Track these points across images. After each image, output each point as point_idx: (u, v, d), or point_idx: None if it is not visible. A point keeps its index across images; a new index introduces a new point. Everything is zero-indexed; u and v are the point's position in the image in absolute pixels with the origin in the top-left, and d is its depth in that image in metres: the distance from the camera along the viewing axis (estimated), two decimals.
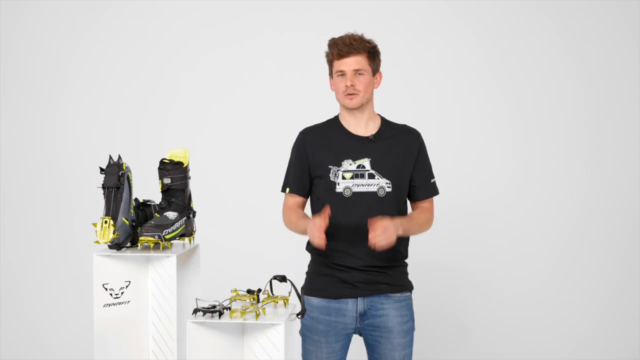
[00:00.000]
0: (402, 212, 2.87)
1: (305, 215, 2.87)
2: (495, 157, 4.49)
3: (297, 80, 4.49)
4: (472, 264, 4.47)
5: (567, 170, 4.48)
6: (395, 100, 4.41)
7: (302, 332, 2.91)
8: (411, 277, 2.95)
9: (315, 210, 2.89)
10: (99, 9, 4.58)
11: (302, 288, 2.71)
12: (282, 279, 2.73)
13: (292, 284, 2.72)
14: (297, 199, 2.92)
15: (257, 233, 4.47)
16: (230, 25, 4.55)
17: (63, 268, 4.57)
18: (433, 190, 2.92)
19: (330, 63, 2.84)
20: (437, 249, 4.38)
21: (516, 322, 4.45)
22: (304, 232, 2.80)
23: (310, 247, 2.92)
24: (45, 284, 4.58)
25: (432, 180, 2.92)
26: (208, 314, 2.53)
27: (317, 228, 2.66)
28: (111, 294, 2.72)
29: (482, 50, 4.50)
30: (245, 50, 4.55)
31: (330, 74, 2.86)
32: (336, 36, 2.83)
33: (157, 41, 4.58)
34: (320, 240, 2.66)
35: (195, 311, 2.55)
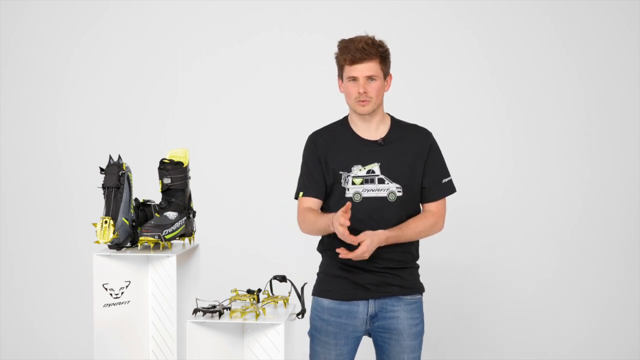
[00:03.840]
0: (412, 216, 2.83)
1: (324, 213, 2.79)
2: (498, 158, 4.49)
3: (297, 80, 4.49)
4: (478, 265, 4.46)
5: (568, 171, 4.48)
6: (396, 101, 4.41)
7: (311, 333, 2.90)
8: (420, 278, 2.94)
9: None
10: (98, 9, 4.58)
11: (304, 287, 2.71)
12: (282, 279, 2.73)
13: (292, 284, 2.72)
14: (312, 201, 2.83)
15: (257, 233, 4.47)
16: (230, 25, 4.55)
17: (63, 268, 4.56)
18: (444, 191, 2.85)
19: (341, 67, 2.77)
20: (441, 250, 4.38)
21: (523, 324, 4.44)
22: (325, 230, 2.74)
23: (321, 247, 2.89)
24: (46, 284, 4.58)
25: (445, 180, 2.85)
26: (208, 314, 2.53)
27: (341, 226, 2.62)
28: (111, 294, 2.72)
29: (482, 50, 4.50)
30: (245, 50, 4.54)
31: (340, 76, 2.80)
32: (345, 37, 2.77)
33: (157, 41, 4.57)
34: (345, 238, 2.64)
35: (195, 311, 2.55)
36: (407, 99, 4.45)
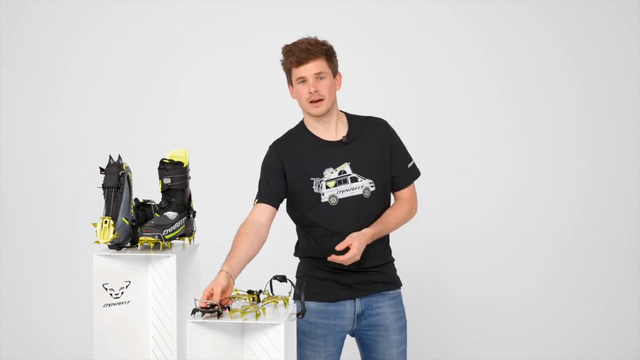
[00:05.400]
0: (386, 208, 2.86)
1: (236, 254, 2.65)
2: (498, 158, 4.49)
3: None
4: (477, 265, 4.46)
5: (568, 171, 4.48)
6: (396, 101, 4.42)
7: (299, 338, 2.89)
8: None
9: (306, 225, 2.85)
10: (98, 9, 4.58)
11: (304, 287, 2.70)
12: (282, 279, 2.73)
13: (292, 284, 2.72)
14: (263, 210, 2.80)
15: None
16: (230, 25, 4.55)
17: (63, 268, 4.57)
18: (412, 175, 2.88)
19: (289, 71, 2.78)
20: (440, 250, 4.38)
21: (523, 324, 4.45)
22: None
23: (300, 253, 2.92)
24: (45, 284, 4.58)
25: (410, 165, 2.87)
26: (207, 314, 2.53)
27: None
28: (111, 294, 2.72)
29: (482, 50, 4.50)
30: (245, 50, 4.55)
31: (290, 82, 2.80)
32: (290, 43, 2.78)
33: (157, 41, 4.58)
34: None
35: (194, 311, 2.55)
36: (407, 99, 4.46)
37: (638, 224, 4.46)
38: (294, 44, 2.76)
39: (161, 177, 2.84)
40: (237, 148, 4.54)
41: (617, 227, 4.47)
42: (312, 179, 2.79)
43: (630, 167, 4.45)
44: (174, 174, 2.83)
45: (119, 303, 2.74)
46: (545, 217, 4.48)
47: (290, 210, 2.89)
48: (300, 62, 2.72)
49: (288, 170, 2.81)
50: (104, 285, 2.71)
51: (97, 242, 2.66)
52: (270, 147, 2.89)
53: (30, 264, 4.60)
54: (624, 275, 4.46)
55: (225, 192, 4.51)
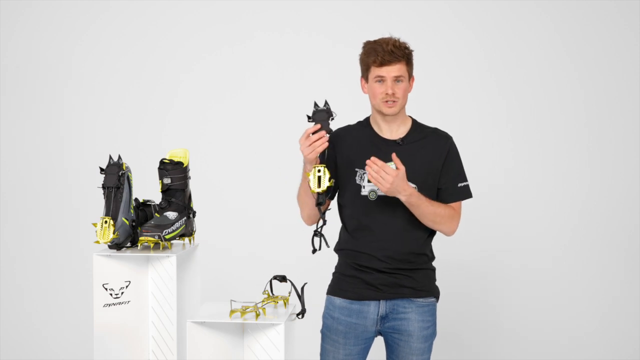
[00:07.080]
0: None
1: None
2: (497, 159, 4.48)
3: (297, 80, 4.49)
4: (476, 266, 4.46)
5: (568, 171, 4.48)
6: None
7: (322, 331, 2.91)
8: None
9: (345, 216, 2.87)
10: (99, 10, 4.58)
11: (304, 287, 2.70)
12: (282, 279, 2.73)
13: (292, 284, 2.72)
14: None
15: (257, 233, 4.47)
16: (230, 26, 4.55)
17: (63, 268, 4.57)
18: (460, 194, 2.86)
19: (367, 68, 2.79)
20: (440, 251, 4.37)
21: (522, 324, 4.45)
22: (304, 187, 2.78)
23: (337, 247, 2.91)
24: (46, 284, 4.58)
25: (461, 185, 2.86)
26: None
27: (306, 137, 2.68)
28: (111, 294, 2.72)
29: (483, 51, 4.50)
30: (245, 51, 4.55)
31: (365, 77, 2.81)
32: (371, 39, 2.79)
33: (157, 41, 4.58)
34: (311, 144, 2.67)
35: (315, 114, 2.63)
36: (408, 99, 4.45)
37: (638, 224, 4.46)
38: (378, 42, 2.76)
39: (161, 177, 2.84)
40: (237, 148, 4.54)
41: (617, 227, 4.46)
42: (356, 169, 2.81)
43: (630, 167, 4.45)
44: (174, 174, 2.84)
45: (119, 303, 2.74)
46: (544, 217, 4.48)
47: (337, 199, 2.91)
48: (383, 63, 2.74)
49: (339, 158, 2.85)
50: (104, 285, 2.71)
51: (97, 242, 2.66)
52: (332, 133, 2.90)
53: (30, 264, 4.60)
54: (625, 275, 4.46)
55: (226, 192, 4.51)
